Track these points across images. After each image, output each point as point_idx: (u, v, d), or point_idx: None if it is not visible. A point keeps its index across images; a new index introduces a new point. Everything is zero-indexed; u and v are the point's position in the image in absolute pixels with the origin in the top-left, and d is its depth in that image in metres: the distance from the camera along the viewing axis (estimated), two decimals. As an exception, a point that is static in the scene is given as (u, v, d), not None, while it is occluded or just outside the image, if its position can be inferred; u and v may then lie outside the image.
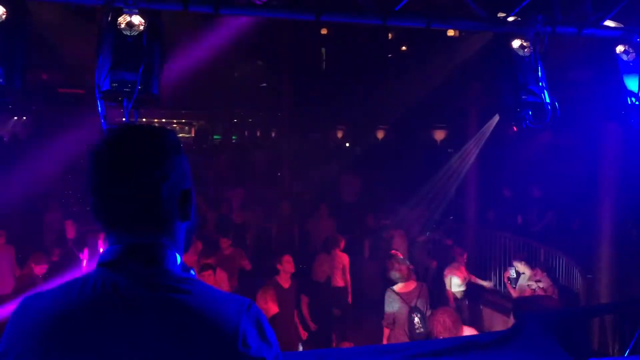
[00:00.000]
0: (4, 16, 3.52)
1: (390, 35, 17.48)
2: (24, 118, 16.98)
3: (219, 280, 7.63)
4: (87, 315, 1.31)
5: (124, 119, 3.70)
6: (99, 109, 3.61)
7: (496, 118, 10.93)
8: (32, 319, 1.34)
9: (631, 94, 4.47)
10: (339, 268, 8.74)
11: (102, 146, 1.42)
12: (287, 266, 7.03)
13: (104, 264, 1.40)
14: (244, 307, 1.39)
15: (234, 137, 21.02)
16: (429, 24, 4.26)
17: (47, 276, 7.14)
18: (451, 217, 13.88)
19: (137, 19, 3.74)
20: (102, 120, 3.66)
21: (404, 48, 18.90)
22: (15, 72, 3.54)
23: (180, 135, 22.02)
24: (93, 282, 1.35)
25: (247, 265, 8.88)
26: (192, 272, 1.44)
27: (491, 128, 11.56)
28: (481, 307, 10.21)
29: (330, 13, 4.10)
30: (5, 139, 16.57)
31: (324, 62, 19.45)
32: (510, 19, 4.41)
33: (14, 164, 12.92)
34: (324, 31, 16.49)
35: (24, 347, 1.32)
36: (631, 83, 4.49)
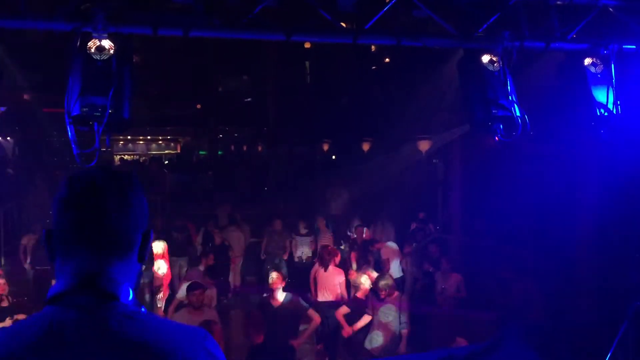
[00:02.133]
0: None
1: (373, 48, 17.58)
2: (8, 139, 16.92)
3: (209, 298, 7.61)
4: (39, 353, 1.30)
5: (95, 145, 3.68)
6: (69, 134, 3.61)
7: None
8: None
9: (600, 105, 4.53)
10: (336, 283, 8.69)
11: (69, 190, 1.45)
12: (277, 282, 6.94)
13: (55, 298, 1.39)
14: (199, 339, 1.40)
15: (219, 152, 21.01)
16: (399, 42, 4.31)
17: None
18: (437, 227, 13.94)
19: (107, 43, 3.76)
20: (73, 145, 3.66)
21: (387, 60, 19.00)
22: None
23: (166, 151, 22.00)
24: (43, 321, 1.35)
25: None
26: (142, 309, 1.44)
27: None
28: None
29: (301, 33, 4.13)
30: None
31: (308, 76, 19.54)
32: (479, 34, 4.47)
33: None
34: (307, 45, 16.57)
35: None
36: (600, 95, 4.56)
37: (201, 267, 8.87)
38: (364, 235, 11.82)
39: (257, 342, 6.07)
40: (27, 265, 10.03)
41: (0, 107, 13.39)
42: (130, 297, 1.43)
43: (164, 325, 1.41)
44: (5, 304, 7.00)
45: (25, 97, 13.91)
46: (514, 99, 4.43)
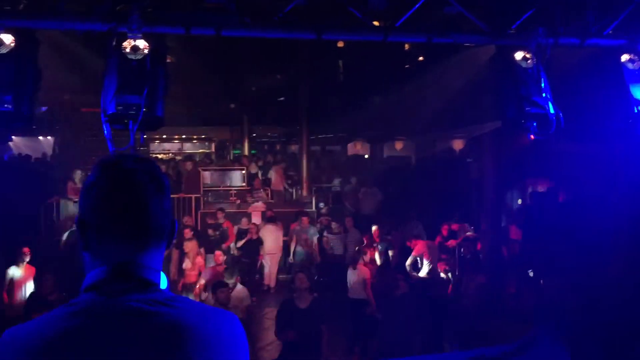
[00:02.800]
0: (12, 45, 3.64)
1: (407, 46, 17.45)
2: (49, 138, 17.37)
3: (240, 295, 7.71)
4: (84, 339, 1.32)
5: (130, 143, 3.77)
6: (105, 132, 3.70)
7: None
8: (21, 348, 1.32)
9: (637, 102, 4.42)
10: (361, 281, 8.73)
11: (104, 178, 1.47)
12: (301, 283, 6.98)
13: (92, 286, 1.41)
14: (236, 321, 1.47)
15: (253, 152, 21.15)
16: (430, 39, 4.28)
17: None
18: (472, 227, 13.79)
19: (141, 43, 3.84)
20: (109, 143, 3.76)
21: (421, 58, 18.84)
22: (24, 100, 3.66)
23: (200, 150, 22.25)
24: (83, 306, 1.37)
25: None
26: (174, 294, 1.48)
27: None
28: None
29: (331, 31, 4.15)
30: (32, 159, 16.98)
31: (342, 75, 19.48)
32: (512, 31, 4.41)
33: (42, 183, 13.23)
34: (340, 44, 16.53)
35: None
36: (637, 92, 4.45)
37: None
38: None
39: (288, 340, 6.12)
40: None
41: (42, 107, 13.77)
42: (165, 284, 1.47)
43: (201, 308, 1.45)
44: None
45: (66, 97, 14.25)
46: (548, 96, 4.36)
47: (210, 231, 11.91)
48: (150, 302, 1.38)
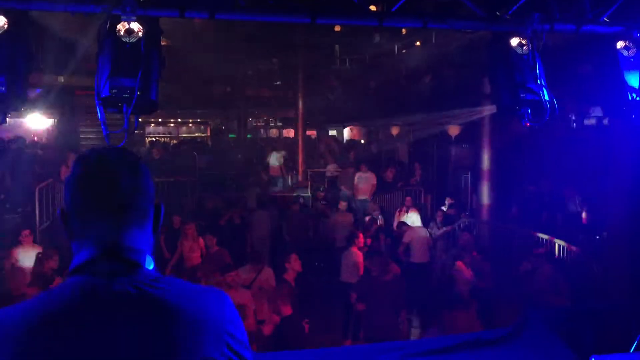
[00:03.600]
0: (5, 26, 3.62)
1: (404, 31, 17.38)
2: (43, 120, 17.28)
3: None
4: (68, 320, 1.35)
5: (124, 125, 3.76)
6: (99, 115, 3.69)
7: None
8: (11, 329, 1.35)
9: (632, 89, 4.43)
10: (350, 265, 8.80)
11: (82, 167, 1.52)
12: (295, 264, 7.09)
13: (80, 267, 1.44)
14: (222, 297, 1.50)
15: (249, 136, 21.14)
16: (425, 24, 4.27)
17: (60, 272, 7.34)
18: (467, 213, 13.85)
19: (135, 26, 3.81)
20: (103, 126, 3.75)
21: (417, 43, 18.77)
22: (18, 81, 3.64)
23: (196, 134, 22.22)
24: (72, 287, 1.40)
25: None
26: (159, 274, 1.51)
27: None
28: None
29: (326, 15, 4.13)
30: (27, 141, 16.91)
31: (338, 59, 19.44)
32: (508, 17, 4.40)
33: (37, 165, 13.20)
34: (337, 28, 16.46)
35: (6, 357, 1.33)
36: (632, 79, 4.45)
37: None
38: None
39: (284, 315, 6.23)
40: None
41: (36, 89, 13.67)
42: (151, 265, 1.49)
43: (188, 287, 1.48)
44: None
45: (60, 79, 14.16)
46: (543, 83, 4.36)
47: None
48: (134, 284, 1.41)
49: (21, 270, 8.24)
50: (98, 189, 1.49)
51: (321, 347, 4.67)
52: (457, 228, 12.21)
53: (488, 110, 11.71)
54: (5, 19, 3.61)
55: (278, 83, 19.69)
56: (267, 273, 7.83)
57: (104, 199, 1.49)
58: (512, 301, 7.09)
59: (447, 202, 13.39)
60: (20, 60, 3.68)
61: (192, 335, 1.39)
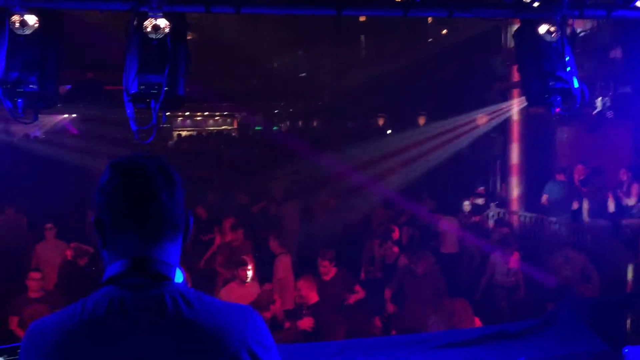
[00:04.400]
0: (36, 25, 3.69)
1: (430, 19, 17.20)
2: (74, 116, 17.61)
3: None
4: (97, 331, 1.40)
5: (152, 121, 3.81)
6: (127, 111, 3.75)
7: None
8: (45, 339, 1.41)
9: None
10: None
11: (118, 177, 1.53)
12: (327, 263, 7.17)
13: (113, 278, 1.48)
14: (247, 315, 1.50)
15: (275, 128, 21.21)
16: (451, 14, 4.22)
17: (89, 266, 7.47)
18: (497, 202, 13.71)
19: (162, 22, 3.86)
20: (131, 122, 3.81)
21: (444, 31, 18.57)
22: (48, 79, 3.71)
23: (223, 127, 22.36)
24: (102, 299, 1.44)
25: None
26: (192, 289, 1.53)
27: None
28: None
29: (352, 7, 4.11)
30: (56, 137, 17.24)
31: (364, 50, 19.34)
32: (536, 4, 4.31)
33: (63, 161, 13.46)
34: (362, 18, 16.37)
35: None
36: (665, 64, 4.35)
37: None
38: None
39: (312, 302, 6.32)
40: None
41: (66, 85, 13.92)
42: (181, 278, 1.52)
43: (213, 303, 1.49)
44: None
45: (89, 75, 14.39)
46: (573, 70, 4.28)
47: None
48: (163, 298, 1.44)
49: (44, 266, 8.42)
50: (135, 201, 1.51)
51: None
52: (486, 217, 12.10)
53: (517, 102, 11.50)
54: (37, 18, 3.68)
55: (304, 75, 19.68)
56: (283, 262, 7.88)
57: (139, 212, 1.51)
58: (543, 292, 7.01)
59: (477, 192, 13.27)
60: (51, 59, 3.76)
61: (212, 351, 1.41)
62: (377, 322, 7.46)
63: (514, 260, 8.60)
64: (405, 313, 7.25)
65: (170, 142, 18.76)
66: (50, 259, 8.51)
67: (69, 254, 7.84)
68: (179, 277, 1.51)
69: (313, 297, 6.53)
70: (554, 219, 11.30)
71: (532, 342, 4.38)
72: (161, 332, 1.41)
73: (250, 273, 6.95)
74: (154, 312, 1.42)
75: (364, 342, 4.31)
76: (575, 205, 11.41)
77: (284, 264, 7.93)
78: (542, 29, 4.32)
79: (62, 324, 1.42)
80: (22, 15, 3.66)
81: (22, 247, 9.79)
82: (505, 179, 13.65)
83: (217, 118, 22.69)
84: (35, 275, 6.93)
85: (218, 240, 9.72)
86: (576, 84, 4.28)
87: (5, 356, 3.32)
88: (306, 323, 6.22)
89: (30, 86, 3.62)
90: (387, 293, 7.58)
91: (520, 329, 4.42)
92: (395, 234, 9.20)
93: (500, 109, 13.55)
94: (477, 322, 5.80)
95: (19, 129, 14.77)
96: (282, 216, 11.84)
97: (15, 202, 10.22)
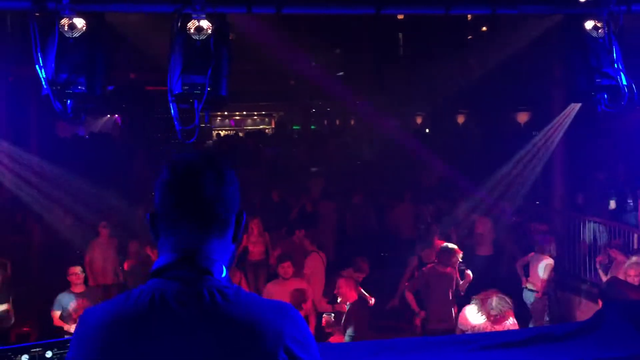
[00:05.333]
0: (84, 28, 3.79)
1: (469, 16, 16.99)
2: (116, 116, 18.00)
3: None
4: (138, 324, 1.45)
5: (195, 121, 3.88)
6: (172, 111, 3.82)
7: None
8: (92, 328, 1.48)
9: None
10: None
11: (170, 173, 1.59)
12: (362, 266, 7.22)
13: (159, 270, 1.53)
14: (284, 312, 1.51)
15: (313, 127, 21.27)
16: (494, 10, 4.16)
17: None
18: (537, 202, 13.45)
19: (205, 23, 3.92)
20: (176, 122, 3.88)
21: (484, 28, 18.31)
22: (96, 80, 3.81)
23: (261, 126, 22.54)
24: (147, 291, 1.49)
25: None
26: (234, 285, 1.56)
27: (576, 109, 11.04)
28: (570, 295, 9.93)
29: (391, 6, 4.10)
30: (100, 136, 17.67)
31: (402, 48, 19.21)
32: (582, -1, 4.22)
33: (108, 160, 13.79)
34: (400, 16, 16.27)
35: (86, 353, 1.47)
36: None
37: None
38: None
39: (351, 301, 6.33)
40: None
41: (109, 86, 14.24)
42: (224, 274, 1.55)
43: (252, 300, 1.52)
44: None
45: (132, 76, 14.70)
46: (620, 67, 4.17)
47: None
48: (203, 291, 1.47)
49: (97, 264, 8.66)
50: (182, 196, 1.56)
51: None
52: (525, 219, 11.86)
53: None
54: (84, 21, 3.78)
55: (341, 74, 19.67)
56: (312, 260, 7.90)
57: (186, 207, 1.55)
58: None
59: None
60: (98, 61, 3.86)
61: (248, 347, 1.42)
62: (417, 321, 7.42)
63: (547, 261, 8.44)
64: (433, 314, 7.21)
65: (209, 142, 19.02)
66: (103, 256, 8.78)
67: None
68: (222, 272, 1.54)
69: (352, 296, 6.54)
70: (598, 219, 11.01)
71: (577, 345, 4.29)
72: (199, 326, 1.43)
73: (290, 270, 7.02)
74: (194, 305, 1.45)
75: (402, 342, 4.28)
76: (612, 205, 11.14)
77: (312, 262, 7.96)
78: (589, 24, 4.23)
79: (107, 315, 1.48)
80: (70, 19, 3.77)
81: (69, 245, 10.07)
82: (547, 177, 13.36)
83: (255, 117, 22.89)
84: (75, 270, 7.11)
85: (247, 241, 9.82)
86: (624, 81, 4.17)
87: (55, 349, 3.43)
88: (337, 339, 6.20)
89: (79, 87, 3.73)
90: (409, 295, 7.52)
91: (566, 331, 4.33)
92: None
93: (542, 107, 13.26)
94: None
95: (65, 129, 15.18)
96: (318, 215, 11.90)
97: (64, 201, 10.53)
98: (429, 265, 7.60)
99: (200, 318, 1.44)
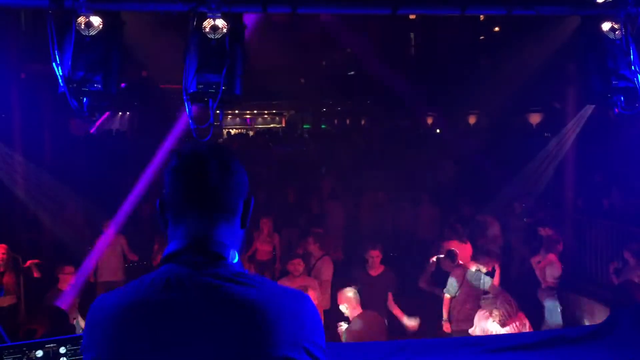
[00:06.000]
0: (100, 26, 3.81)
1: (482, 17, 16.95)
2: (128, 114, 18.09)
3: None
4: (154, 307, 1.44)
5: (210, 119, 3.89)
6: (187, 110, 3.83)
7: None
8: (106, 314, 1.48)
9: None
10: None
11: (178, 161, 1.61)
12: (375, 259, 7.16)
13: (170, 256, 1.54)
14: (300, 297, 1.52)
15: (323, 126, 21.27)
16: (510, 11, 4.14)
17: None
18: (548, 204, 13.36)
19: (220, 23, 3.92)
20: (190, 121, 3.89)
21: (496, 29, 18.24)
22: (111, 78, 3.83)
23: (272, 125, 22.56)
24: (161, 276, 1.49)
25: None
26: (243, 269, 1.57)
27: (589, 111, 10.96)
28: (580, 297, 9.85)
29: (407, 6, 4.08)
30: (112, 134, 17.75)
31: (413, 48, 19.18)
32: (600, 0, 4.19)
33: (121, 157, 13.86)
34: (412, 16, 16.23)
35: (101, 339, 1.46)
36: None
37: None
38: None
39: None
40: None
41: (121, 83, 14.30)
42: (236, 259, 1.56)
43: (271, 286, 1.52)
44: None
45: (144, 73, 14.75)
46: (637, 69, 4.13)
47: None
48: (219, 276, 1.48)
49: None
50: (188, 183, 1.58)
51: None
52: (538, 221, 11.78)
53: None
54: (101, 20, 3.80)
55: (352, 73, 19.66)
56: (326, 264, 7.85)
57: (192, 194, 1.57)
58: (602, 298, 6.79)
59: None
60: (114, 59, 3.88)
61: (270, 333, 1.41)
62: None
63: (552, 262, 8.39)
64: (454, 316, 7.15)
65: (220, 140, 19.08)
66: (109, 254, 8.83)
67: None
68: (234, 257, 1.55)
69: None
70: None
71: (589, 349, 4.26)
72: (216, 310, 1.43)
73: (300, 267, 7.01)
74: (211, 289, 1.45)
75: (414, 343, 4.28)
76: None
77: (327, 267, 7.86)
78: (606, 26, 4.20)
79: (121, 300, 1.48)
80: (87, 17, 3.78)
81: (78, 242, 10.13)
82: (558, 180, 13.27)
83: (265, 116, 22.91)
84: (69, 269, 7.14)
85: (257, 240, 9.80)
86: (641, 83, 4.13)
87: (69, 345, 3.45)
88: None
89: (95, 85, 3.75)
90: (446, 301, 7.42)
91: (577, 335, 4.30)
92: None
93: (555, 108, 13.17)
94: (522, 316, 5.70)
95: (79, 127, 15.26)
96: (326, 215, 11.88)
97: (74, 198, 10.59)
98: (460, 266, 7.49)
99: (216, 301, 1.44)
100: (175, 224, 1.58)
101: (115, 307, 1.47)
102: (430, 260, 8.30)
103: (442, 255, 8.11)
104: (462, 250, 8.28)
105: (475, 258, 7.50)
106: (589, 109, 11.13)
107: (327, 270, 7.86)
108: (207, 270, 1.48)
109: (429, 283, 7.83)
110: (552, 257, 8.54)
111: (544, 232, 9.90)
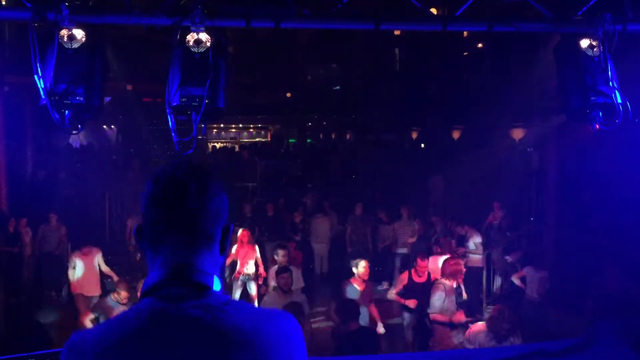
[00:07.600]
0: (83, 39, 3.81)
1: (465, 33, 17.15)
2: (112, 127, 17.99)
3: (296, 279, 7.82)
4: (140, 343, 1.40)
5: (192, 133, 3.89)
6: (170, 123, 3.83)
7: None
8: (91, 355, 1.40)
9: None
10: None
11: (155, 187, 1.56)
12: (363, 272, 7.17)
13: (150, 289, 1.48)
14: (290, 323, 1.51)
15: (309, 140, 21.31)
16: (490, 28, 4.20)
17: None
18: (532, 219, 13.48)
19: (204, 36, 3.94)
20: (173, 134, 3.88)
21: (480, 45, 18.46)
22: (94, 91, 3.82)
23: (257, 139, 22.55)
24: (144, 311, 1.44)
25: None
26: (229, 297, 1.53)
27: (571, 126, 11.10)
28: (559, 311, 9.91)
29: (390, 21, 4.13)
30: (95, 147, 17.64)
31: (398, 63, 19.34)
32: (578, 18, 4.27)
33: (103, 170, 13.76)
34: (397, 32, 16.40)
35: None
36: None
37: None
38: None
39: (351, 329, 6.12)
40: (132, 248, 10.66)
41: (106, 97, 14.25)
42: (219, 287, 1.51)
43: (256, 312, 1.49)
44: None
45: (128, 87, 14.71)
46: (615, 85, 4.20)
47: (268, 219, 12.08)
48: (205, 308, 1.43)
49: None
50: (166, 210, 1.52)
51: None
52: (519, 234, 11.88)
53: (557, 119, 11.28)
54: (83, 33, 3.80)
55: (337, 88, 19.78)
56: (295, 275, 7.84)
57: (171, 221, 1.52)
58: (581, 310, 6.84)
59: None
60: (96, 72, 3.87)
61: (268, 359, 1.41)
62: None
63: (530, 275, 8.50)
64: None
65: (205, 154, 19.01)
66: (87, 268, 8.67)
67: None
68: (217, 285, 1.51)
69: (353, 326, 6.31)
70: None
71: (571, 362, 4.29)
72: (205, 343, 1.40)
73: (291, 281, 6.99)
74: (197, 323, 1.41)
75: (402, 357, 4.28)
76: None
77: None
78: (584, 43, 4.27)
79: (102, 338, 1.42)
80: (70, 30, 3.78)
81: (62, 255, 10.01)
82: (541, 194, 13.41)
83: (251, 130, 22.92)
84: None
85: (237, 253, 9.73)
86: (619, 99, 4.21)
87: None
88: None
89: (77, 98, 3.73)
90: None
91: (559, 348, 4.33)
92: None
93: (541, 125, 13.34)
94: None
95: (60, 140, 15.15)
96: (310, 228, 11.88)
97: (57, 211, 10.45)
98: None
99: (206, 335, 1.41)
100: (155, 251, 1.53)
101: (98, 343, 1.41)
102: (401, 276, 8.37)
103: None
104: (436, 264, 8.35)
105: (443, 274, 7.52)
106: (571, 124, 11.27)
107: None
108: (193, 302, 1.44)
109: (400, 295, 7.88)
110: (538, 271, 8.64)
111: (511, 258, 10.06)
